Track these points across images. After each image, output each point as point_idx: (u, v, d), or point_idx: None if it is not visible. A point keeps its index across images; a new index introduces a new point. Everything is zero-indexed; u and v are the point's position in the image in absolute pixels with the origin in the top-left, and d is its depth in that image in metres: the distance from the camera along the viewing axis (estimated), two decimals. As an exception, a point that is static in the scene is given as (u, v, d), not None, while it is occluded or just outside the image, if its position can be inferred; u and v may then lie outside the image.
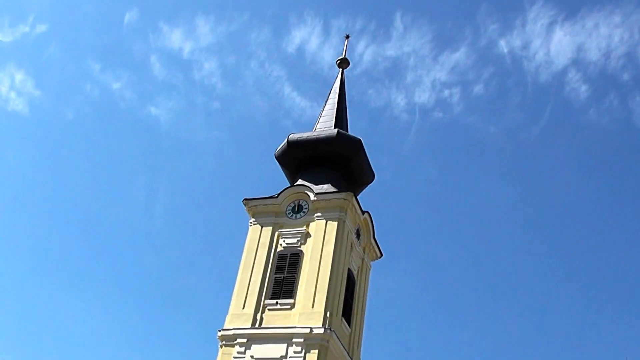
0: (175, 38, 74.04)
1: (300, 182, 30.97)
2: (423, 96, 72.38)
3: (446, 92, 72.01)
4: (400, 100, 72.02)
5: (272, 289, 27.41)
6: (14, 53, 73.06)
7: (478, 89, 71.50)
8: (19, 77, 71.79)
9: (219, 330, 26.61)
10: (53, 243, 72.70)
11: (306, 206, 29.39)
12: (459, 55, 71.08)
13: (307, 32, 72.83)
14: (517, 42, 71.56)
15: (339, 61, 37.41)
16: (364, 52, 65.86)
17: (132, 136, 74.98)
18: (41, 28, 70.99)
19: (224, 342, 26.26)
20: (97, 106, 73.83)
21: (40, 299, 69.42)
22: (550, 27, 69.92)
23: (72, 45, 75.13)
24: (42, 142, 73.73)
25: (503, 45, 71.12)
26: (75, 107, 73.73)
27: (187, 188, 74.29)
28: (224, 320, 26.97)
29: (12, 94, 70.85)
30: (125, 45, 74.16)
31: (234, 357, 25.75)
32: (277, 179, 34.18)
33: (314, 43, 73.02)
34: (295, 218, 29.30)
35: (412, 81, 73.12)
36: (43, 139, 74.34)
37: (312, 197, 29.21)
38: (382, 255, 32.23)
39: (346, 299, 27.97)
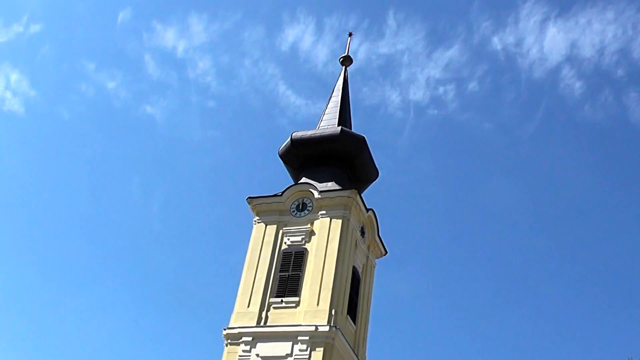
0: (169, 37, 74.24)
1: (304, 180, 30.95)
2: (417, 93, 72.51)
3: (441, 89, 72.15)
4: (394, 97, 72.11)
5: (277, 287, 27.40)
6: (8, 53, 73.27)
7: (472, 86, 71.58)
8: (14, 77, 72.06)
9: (224, 329, 26.60)
10: (50, 244, 72.84)
11: (310, 204, 29.36)
12: (453, 52, 71.20)
13: (301, 30, 73.02)
14: (510, 39, 71.62)
15: (342, 59, 37.34)
16: (358, 50, 65.91)
17: (127, 135, 75.19)
18: (35, 28, 71.23)
19: (229, 341, 26.26)
20: (93, 105, 74.14)
21: (39, 299, 69.62)
22: (543, 23, 69.97)
23: (66, 45, 75.42)
24: (38, 142, 74.02)
25: (496, 42, 71.25)
26: (70, 107, 73.98)
27: (184, 187, 74.52)
28: (229, 319, 26.99)
29: (8, 94, 71.07)
30: (119, 44, 74.43)
31: (240, 356, 25.76)
32: (275, 176, 34.35)
33: (307, 41, 73.16)
34: (300, 216, 29.28)
35: (406, 78, 73.25)
36: (39, 138, 74.68)
37: (316, 195, 29.18)
38: (386, 252, 32.20)
39: (351, 296, 27.94)
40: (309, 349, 24.93)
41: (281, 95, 73.14)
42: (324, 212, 28.73)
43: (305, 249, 28.14)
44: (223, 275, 64.10)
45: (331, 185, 30.13)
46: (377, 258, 31.79)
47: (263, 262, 28.18)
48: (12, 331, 66.31)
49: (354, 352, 27.12)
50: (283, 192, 29.85)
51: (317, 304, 26.07)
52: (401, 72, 73.47)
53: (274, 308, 26.91)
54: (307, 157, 32.10)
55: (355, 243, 29.14)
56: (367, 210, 30.23)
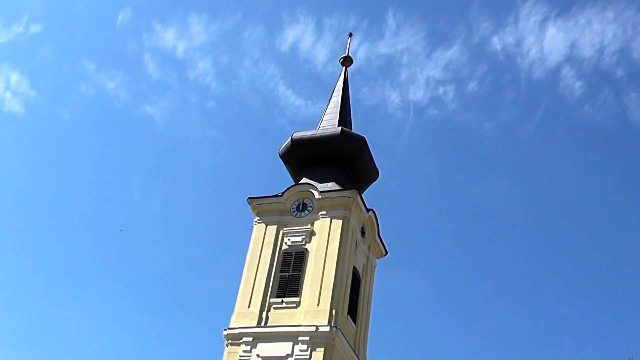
0: (169, 37, 74.28)
1: (304, 180, 30.96)
2: (417, 94, 72.56)
3: (440, 90, 72.19)
4: (394, 98, 72.12)
5: (277, 288, 27.41)
6: (8, 53, 73.24)
7: (472, 86, 71.60)
8: (14, 77, 72.06)
9: (225, 329, 26.62)
10: (50, 244, 72.80)
11: (311, 204, 29.37)
12: (453, 53, 71.22)
13: (300, 31, 73.06)
14: (510, 39, 71.66)
15: (342, 59, 37.35)
16: (357, 50, 65.96)
17: (127, 135, 75.15)
18: (35, 28, 71.18)
19: (229, 341, 26.27)
20: (93, 106, 74.13)
21: (39, 300, 69.58)
22: (543, 23, 70.03)
23: (66, 45, 75.52)
24: (38, 142, 74.02)
25: (496, 42, 71.24)
26: (70, 107, 74.03)
27: (184, 187, 74.50)
28: (230, 319, 26.99)
29: (8, 95, 71.09)
30: (119, 44, 74.51)
31: (240, 356, 25.77)
32: (275, 177, 34.35)
33: (307, 41, 73.19)
34: (300, 216, 29.29)
35: (406, 79, 73.27)
36: (39, 139, 74.66)
37: (317, 195, 29.19)
38: (387, 252, 32.21)
39: (351, 297, 27.94)
40: (309, 349, 24.94)
41: (281, 96, 73.23)
42: (324, 212, 28.74)
43: (306, 249, 28.14)
44: (223, 276, 64.18)
45: (331, 185, 30.14)
46: (377, 258, 31.80)
47: (263, 263, 28.19)
48: (12, 331, 66.38)
49: (354, 353, 27.13)
50: (283, 193, 29.85)
51: (318, 304, 26.07)
52: (401, 72, 73.59)
53: (275, 308, 26.92)
54: (307, 157, 32.11)
55: (356, 243, 29.14)
56: (368, 210, 30.23)
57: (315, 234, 28.39)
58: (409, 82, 72.92)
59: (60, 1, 75.13)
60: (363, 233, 30.24)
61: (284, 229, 29.11)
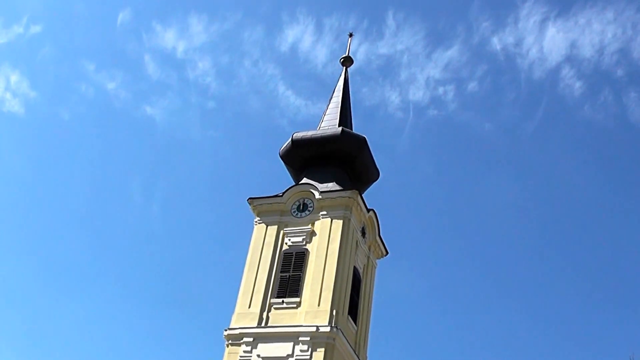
0: (169, 37, 74.31)
1: (304, 180, 30.96)
2: (417, 94, 72.59)
3: (440, 90, 72.23)
4: (394, 98, 72.14)
5: (278, 288, 27.41)
6: (8, 54, 73.30)
7: (472, 86, 71.65)
8: (14, 78, 72.05)
9: (225, 330, 26.63)
10: (50, 244, 72.84)
11: (311, 205, 29.38)
12: (452, 53, 71.26)
13: (300, 31, 73.03)
14: (510, 39, 71.71)
15: (342, 59, 37.35)
16: (357, 51, 65.98)
17: (127, 135, 75.24)
18: (35, 29, 71.20)
19: (230, 342, 26.28)
20: (93, 106, 74.18)
21: (39, 300, 69.55)
22: (543, 23, 70.09)
23: (66, 46, 75.53)
24: (38, 143, 74.15)
25: (496, 42, 71.31)
26: (70, 108, 74.06)
27: (185, 187, 74.59)
28: (230, 320, 27.00)
29: (8, 95, 71.11)
30: (119, 45, 74.54)
31: (240, 357, 25.78)
32: (275, 177, 34.31)
33: (307, 41, 73.19)
34: (301, 217, 29.30)
35: (406, 79, 73.30)
36: (39, 139, 74.70)
37: (317, 195, 29.20)
38: (387, 253, 32.22)
39: (352, 297, 27.95)
40: (310, 349, 24.94)
41: (281, 96, 73.25)
42: (324, 212, 28.75)
43: (306, 249, 28.15)
44: (224, 276, 64.14)
45: (332, 185, 30.15)
46: (378, 258, 31.81)
47: (264, 263, 28.20)
48: (11, 331, 66.42)
49: (355, 353, 27.13)
50: (284, 193, 29.86)
51: (318, 305, 26.08)
52: (401, 72, 73.64)
53: (275, 309, 26.92)
54: (308, 157, 32.12)
55: (356, 243, 29.14)
56: (368, 210, 30.24)
57: (315, 234, 28.40)
58: (408, 82, 73.05)
59: (60, 1, 75.26)
60: (363, 233, 30.24)
61: (285, 229, 29.11)
